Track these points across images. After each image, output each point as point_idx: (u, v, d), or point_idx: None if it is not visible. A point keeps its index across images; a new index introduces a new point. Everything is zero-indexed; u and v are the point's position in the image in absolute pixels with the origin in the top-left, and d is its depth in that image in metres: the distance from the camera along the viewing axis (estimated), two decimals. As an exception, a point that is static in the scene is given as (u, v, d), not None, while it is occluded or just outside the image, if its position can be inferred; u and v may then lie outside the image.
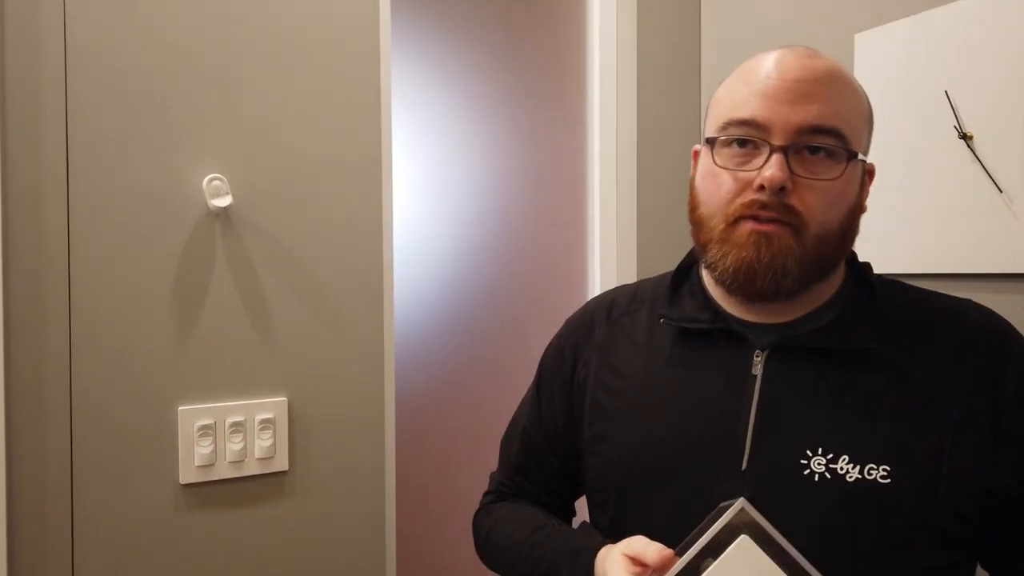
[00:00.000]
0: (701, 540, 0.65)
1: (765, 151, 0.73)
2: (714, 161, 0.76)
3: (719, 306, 0.82)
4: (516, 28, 1.74)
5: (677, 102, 1.77)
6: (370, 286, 1.36)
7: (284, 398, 1.29)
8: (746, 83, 0.76)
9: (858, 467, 0.71)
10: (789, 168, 0.72)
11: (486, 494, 1.04)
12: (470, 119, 1.70)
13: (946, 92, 1.24)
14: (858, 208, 0.78)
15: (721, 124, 0.76)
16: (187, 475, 1.21)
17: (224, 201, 1.20)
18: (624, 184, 1.74)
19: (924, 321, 0.77)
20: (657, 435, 0.80)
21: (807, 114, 0.72)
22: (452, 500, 1.75)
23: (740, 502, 0.65)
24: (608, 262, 1.75)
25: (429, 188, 1.67)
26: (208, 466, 1.22)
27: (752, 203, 0.73)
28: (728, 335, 0.80)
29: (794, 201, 0.72)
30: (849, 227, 0.77)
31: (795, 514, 0.71)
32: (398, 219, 1.55)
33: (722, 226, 0.75)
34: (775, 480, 0.73)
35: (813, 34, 1.48)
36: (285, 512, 1.29)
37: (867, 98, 0.79)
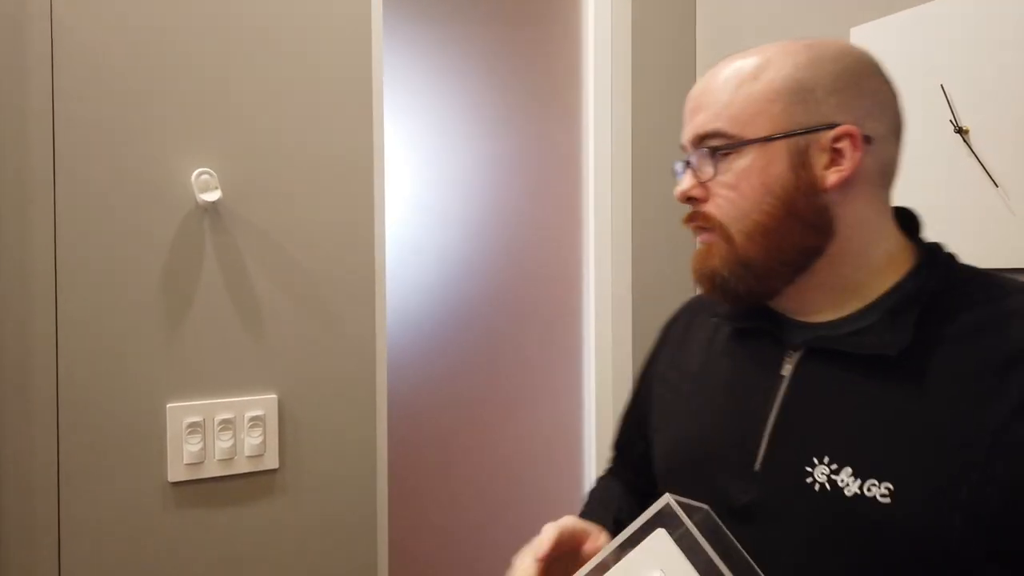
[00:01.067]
0: (627, 529, 0.66)
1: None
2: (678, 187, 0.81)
3: (771, 306, 0.80)
4: (510, 24, 1.73)
5: (672, 99, 1.76)
6: (362, 282, 1.34)
7: (274, 395, 1.27)
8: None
9: (859, 482, 0.67)
10: (712, 170, 0.74)
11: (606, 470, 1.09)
12: (463, 116, 1.69)
13: (942, 86, 1.23)
14: (796, 190, 0.71)
15: None
16: (175, 473, 1.20)
17: (213, 196, 1.18)
18: (619, 182, 1.73)
19: (983, 326, 0.68)
20: (692, 429, 0.83)
21: (694, 125, 0.76)
22: (444, 498, 1.73)
23: (666, 497, 0.65)
24: (603, 260, 1.74)
25: (421, 184, 1.66)
26: (197, 464, 1.21)
27: (685, 217, 0.78)
28: (771, 334, 0.79)
29: (709, 207, 0.75)
30: (785, 212, 0.71)
31: (794, 523, 0.70)
32: (390, 215, 1.53)
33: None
34: (780, 485, 0.72)
35: (808, 28, 1.48)
36: (275, 511, 1.28)
37: (801, 67, 0.72)
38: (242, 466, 1.24)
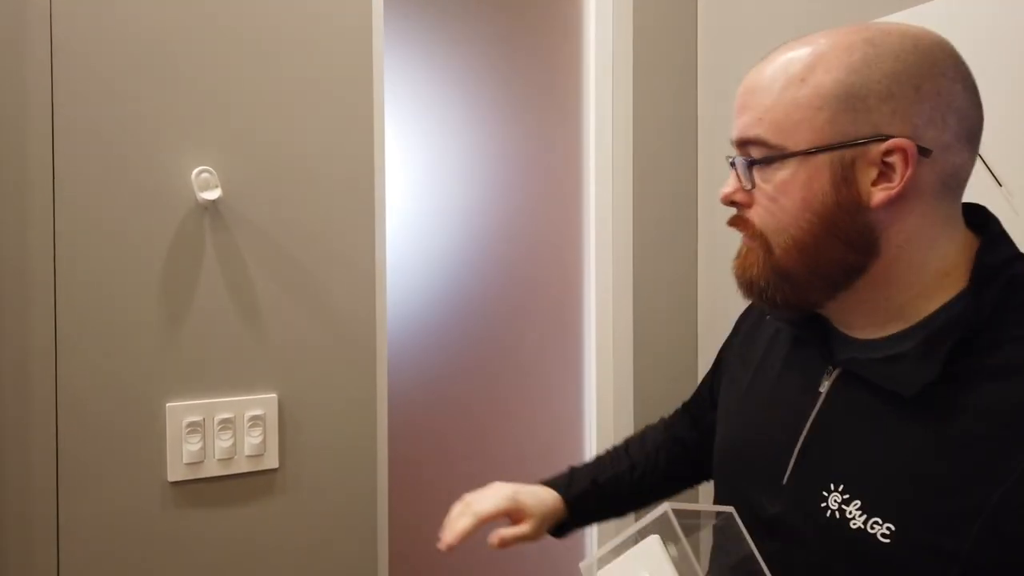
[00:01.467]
0: (630, 528, 0.69)
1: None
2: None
3: (822, 313, 0.77)
4: (511, 21, 1.72)
5: (674, 96, 1.75)
6: (362, 282, 1.34)
7: (274, 395, 1.27)
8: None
9: (864, 516, 0.65)
10: (750, 182, 0.70)
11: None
12: (464, 114, 1.68)
13: (945, 85, 1.23)
14: (836, 206, 0.66)
15: None
16: (175, 473, 1.19)
17: (213, 194, 1.18)
18: (620, 183, 1.72)
19: (1021, 363, 0.61)
20: (738, 430, 0.83)
21: (737, 128, 0.71)
22: (445, 498, 1.73)
23: (664, 506, 0.67)
24: (604, 261, 1.73)
25: (422, 183, 1.65)
26: (197, 463, 1.20)
27: (729, 219, 0.75)
28: (820, 345, 0.76)
29: (752, 214, 0.71)
30: (824, 230, 0.67)
31: (807, 543, 0.69)
32: (391, 214, 1.53)
33: None
34: (798, 506, 0.71)
35: (815, 26, 1.47)
36: (275, 511, 1.27)
37: (852, 72, 0.65)
38: (242, 466, 1.24)
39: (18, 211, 1.10)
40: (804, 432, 0.72)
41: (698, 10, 1.78)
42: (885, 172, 0.65)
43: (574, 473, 1.05)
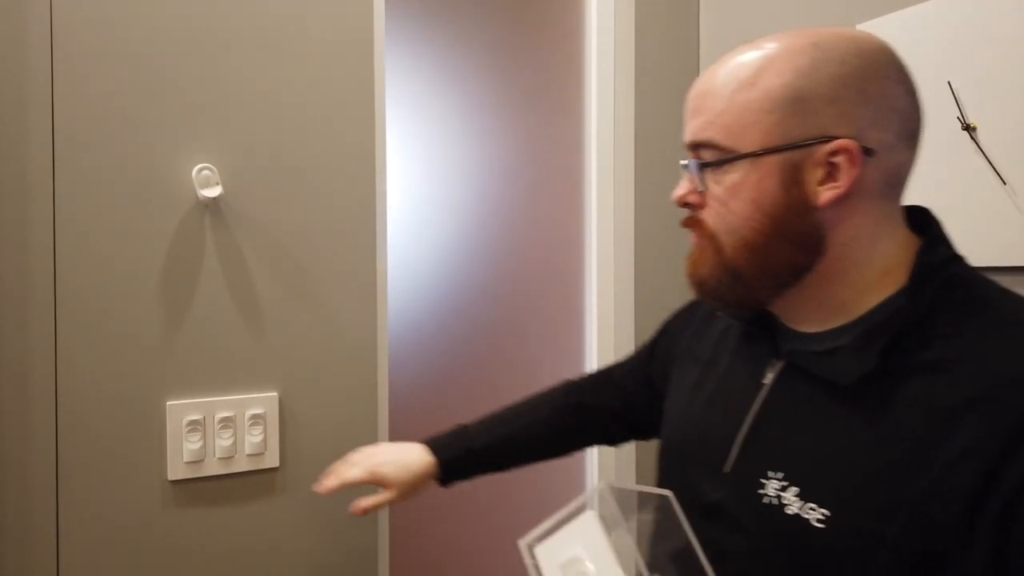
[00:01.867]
0: (569, 505, 0.71)
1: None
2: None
3: (770, 309, 0.79)
4: (512, 20, 1.72)
5: (676, 96, 1.75)
6: (363, 280, 1.33)
7: (275, 393, 1.26)
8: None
9: (800, 503, 0.67)
10: (703, 184, 0.73)
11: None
12: (465, 112, 1.68)
13: (949, 83, 1.22)
14: (785, 207, 0.68)
15: None
16: (175, 471, 1.19)
17: (214, 191, 1.17)
18: (621, 181, 1.72)
19: (952, 361, 0.64)
20: (684, 418, 0.86)
21: (689, 131, 0.74)
22: (445, 497, 1.72)
23: (601, 483, 0.70)
24: (605, 260, 1.72)
25: (423, 182, 1.64)
26: (197, 462, 1.20)
27: (682, 219, 0.78)
28: (767, 337, 0.79)
29: (704, 215, 0.74)
30: (773, 230, 0.69)
31: (743, 532, 0.72)
32: (391, 213, 1.52)
33: None
34: (738, 493, 0.74)
35: (812, 25, 1.46)
36: (276, 510, 1.27)
37: (800, 75, 0.67)
38: (242, 464, 1.23)
39: (18, 209, 1.09)
40: (747, 422, 0.75)
41: (699, 9, 1.77)
42: (831, 172, 0.67)
43: (453, 437, 1.11)
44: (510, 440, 1.11)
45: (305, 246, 1.28)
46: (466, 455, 1.08)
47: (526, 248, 1.75)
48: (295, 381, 1.28)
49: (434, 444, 1.09)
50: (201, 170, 1.17)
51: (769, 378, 0.76)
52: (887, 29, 1.32)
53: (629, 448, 1.66)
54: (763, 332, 0.79)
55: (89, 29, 1.13)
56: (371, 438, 1.35)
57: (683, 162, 0.76)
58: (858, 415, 0.67)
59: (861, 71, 0.67)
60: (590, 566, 0.66)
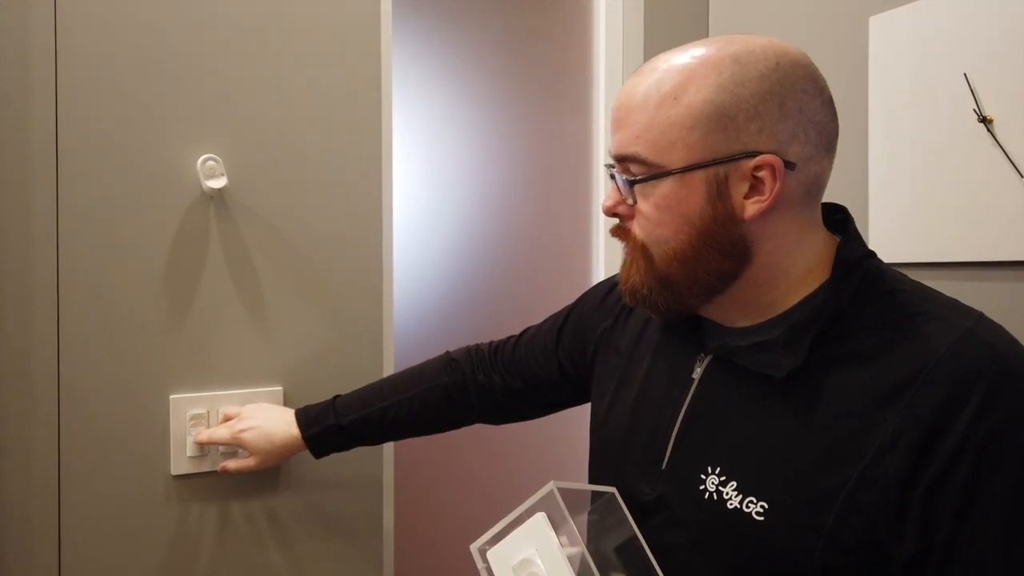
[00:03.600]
0: (519, 508, 0.71)
1: None
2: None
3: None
4: (520, 14, 1.70)
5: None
6: (369, 274, 1.32)
7: (279, 388, 1.25)
8: None
9: (740, 496, 0.69)
10: (631, 197, 0.74)
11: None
12: (472, 107, 1.66)
13: (965, 75, 1.20)
14: (713, 220, 0.70)
15: None
16: (178, 466, 1.17)
17: (219, 183, 1.16)
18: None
19: (877, 351, 0.67)
20: (614, 417, 0.86)
21: (614, 144, 0.75)
22: (450, 494, 1.71)
23: (550, 485, 0.70)
24: (613, 255, 1.71)
25: (430, 177, 1.63)
26: (200, 457, 1.18)
27: (610, 229, 0.79)
28: (693, 334, 0.80)
29: (633, 226, 0.75)
30: (704, 242, 0.71)
31: (686, 526, 0.73)
32: (398, 208, 1.51)
33: None
34: (678, 489, 0.75)
35: (825, 19, 1.45)
36: (280, 505, 1.25)
37: (723, 91, 0.69)
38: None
39: (21, 200, 1.08)
40: (679, 418, 0.76)
41: (709, 7, 1.75)
42: (755, 185, 0.70)
43: (323, 412, 1.13)
44: (382, 417, 1.11)
45: (310, 239, 1.27)
46: (333, 431, 1.11)
47: (533, 244, 1.74)
48: (299, 376, 1.26)
49: (302, 418, 1.12)
50: (206, 161, 1.16)
51: (698, 373, 0.77)
52: (902, 21, 1.31)
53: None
54: (685, 327, 0.80)
55: (94, 20, 1.12)
56: (376, 434, 1.33)
57: (609, 170, 0.77)
58: (789, 407, 0.69)
59: (779, 87, 0.69)
60: (541, 567, 0.67)
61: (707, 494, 0.71)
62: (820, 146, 0.72)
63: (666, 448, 0.77)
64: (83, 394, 1.12)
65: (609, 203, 0.76)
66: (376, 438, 1.15)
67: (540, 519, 0.70)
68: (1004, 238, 1.17)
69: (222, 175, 1.16)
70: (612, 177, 0.76)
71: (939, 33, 1.25)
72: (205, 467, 1.19)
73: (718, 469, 0.72)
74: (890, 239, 1.29)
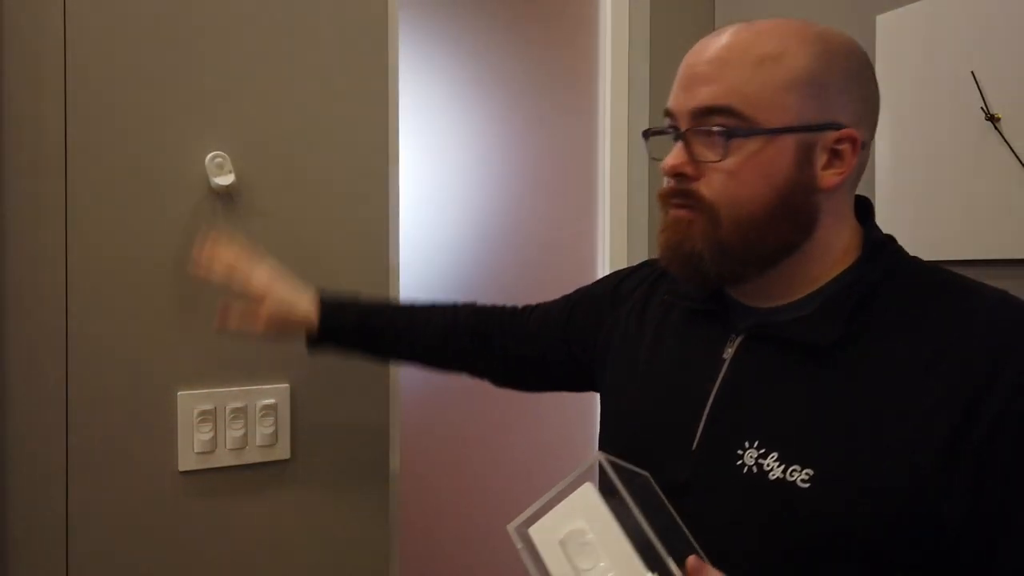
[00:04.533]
0: (561, 483, 0.68)
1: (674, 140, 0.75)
2: (649, 153, 0.80)
3: (724, 288, 0.82)
4: (526, 14, 1.71)
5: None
6: (375, 272, 1.32)
7: (286, 385, 1.25)
8: (679, 72, 0.78)
9: (783, 466, 0.68)
10: (691, 154, 0.72)
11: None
12: (478, 106, 1.67)
13: (972, 73, 1.20)
14: (796, 186, 0.71)
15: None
16: (186, 462, 1.18)
17: (227, 179, 1.16)
18: (635, 175, 1.70)
19: (917, 321, 0.69)
20: (637, 404, 0.84)
21: (696, 97, 0.72)
22: (457, 490, 1.71)
23: (597, 454, 0.68)
24: (619, 254, 1.71)
25: (436, 177, 1.64)
26: (208, 453, 1.19)
27: (667, 191, 0.76)
28: (719, 316, 0.80)
29: (701, 186, 0.72)
30: (780, 208, 0.71)
31: (723, 503, 0.72)
32: (404, 206, 1.51)
33: (661, 213, 0.78)
34: (713, 467, 0.73)
35: (831, 17, 1.45)
36: (286, 502, 1.25)
37: (818, 59, 0.71)
38: (254, 456, 1.22)
39: (31, 196, 1.09)
40: (711, 399, 0.75)
41: (715, 8, 1.75)
42: (831, 159, 0.71)
43: (344, 310, 1.11)
44: (400, 335, 1.11)
45: (317, 236, 1.27)
46: (348, 335, 1.10)
47: (538, 244, 1.74)
48: (307, 373, 1.27)
49: (324, 309, 1.10)
50: (214, 158, 1.16)
51: (729, 353, 0.76)
52: (909, 19, 1.31)
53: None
54: (716, 310, 0.80)
55: (103, 15, 1.12)
56: (383, 431, 1.33)
57: (674, 130, 0.75)
58: (830, 377, 0.69)
59: (859, 69, 0.73)
60: (594, 537, 0.64)
61: (745, 468, 0.70)
62: (872, 134, 0.75)
63: (696, 429, 0.75)
64: (91, 390, 1.12)
65: (675, 161, 0.73)
66: (383, 351, 1.15)
67: (588, 489, 0.67)
68: (1011, 236, 1.17)
69: (230, 172, 1.17)
70: (678, 135, 0.74)
71: (946, 32, 1.25)
72: (213, 463, 1.19)
73: (756, 443, 0.71)
74: (897, 236, 1.28)
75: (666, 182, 0.76)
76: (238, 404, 1.21)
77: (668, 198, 0.75)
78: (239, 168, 1.20)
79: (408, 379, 1.52)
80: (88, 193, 1.12)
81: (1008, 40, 1.17)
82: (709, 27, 1.75)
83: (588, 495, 0.66)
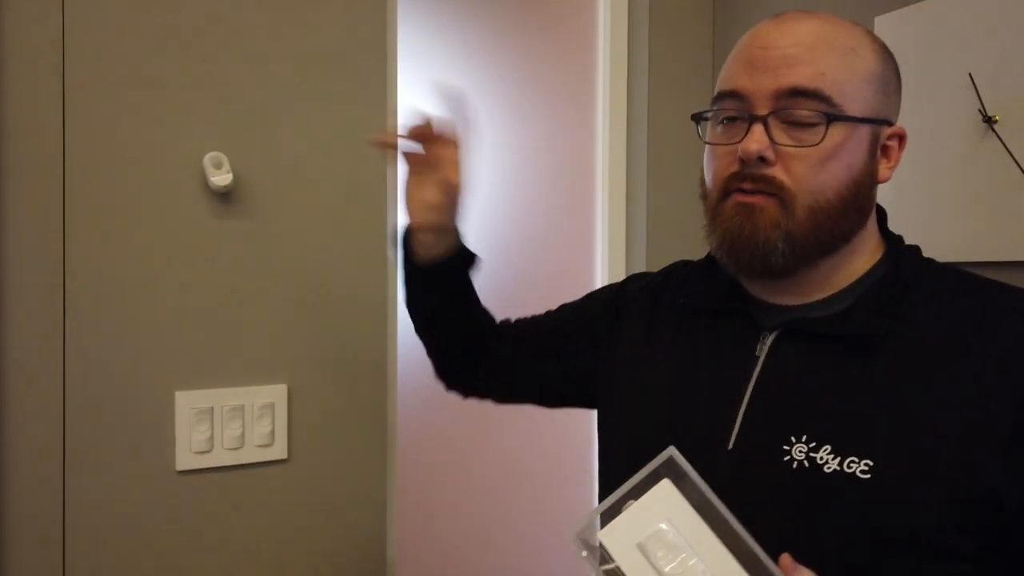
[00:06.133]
0: (627, 483, 0.64)
1: (745, 126, 0.72)
2: (704, 137, 0.78)
3: (742, 286, 0.81)
4: (524, 13, 1.71)
5: (691, 91, 1.73)
6: (375, 273, 1.32)
7: (284, 385, 1.25)
8: (735, 55, 0.76)
9: (838, 458, 0.67)
10: (771, 138, 0.70)
11: None
12: (477, 105, 1.67)
13: (970, 75, 1.21)
14: (867, 176, 0.72)
15: (713, 99, 0.77)
16: (183, 461, 1.18)
17: (224, 179, 1.16)
18: (634, 178, 1.70)
19: (958, 314, 0.70)
20: (661, 413, 0.81)
21: (784, 79, 0.70)
22: (454, 490, 1.71)
23: (669, 450, 0.65)
24: (616, 259, 1.71)
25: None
26: (205, 452, 1.19)
27: (735, 176, 0.73)
28: (743, 316, 0.79)
29: (778, 172, 0.71)
30: (852, 197, 0.71)
31: (772, 502, 0.70)
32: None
33: (715, 200, 0.75)
34: (756, 464, 0.71)
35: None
36: (284, 502, 1.25)
37: (880, 57, 0.73)
38: (251, 455, 1.22)
39: (28, 196, 1.08)
40: (746, 398, 0.74)
41: (714, 8, 1.76)
42: (883, 153, 0.74)
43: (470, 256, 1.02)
44: (472, 303, 1.05)
45: (315, 235, 1.27)
46: (460, 257, 1.01)
47: (536, 244, 1.74)
48: (304, 374, 1.27)
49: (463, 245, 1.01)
50: (212, 157, 1.16)
51: (762, 351, 0.75)
52: (907, 21, 1.31)
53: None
54: (739, 311, 0.79)
55: (102, 14, 1.12)
56: (380, 432, 1.33)
57: (758, 113, 0.71)
58: (876, 368, 0.69)
59: (897, 71, 0.76)
60: (680, 537, 0.61)
61: (795, 464, 0.69)
62: None
63: (731, 429, 0.74)
64: (89, 389, 1.12)
65: (757, 146, 0.70)
66: (454, 305, 1.04)
67: (667, 486, 0.63)
68: (1009, 238, 1.17)
69: (228, 172, 1.17)
70: (755, 118, 0.71)
71: (944, 33, 1.25)
72: (210, 462, 1.19)
73: (804, 437, 0.69)
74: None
75: (734, 166, 0.72)
76: (235, 404, 1.21)
77: (735, 183, 0.72)
78: (237, 167, 1.20)
79: (406, 379, 1.52)
80: (86, 191, 1.12)
81: (1006, 42, 1.17)
82: (707, 27, 1.75)
83: (668, 493, 0.63)
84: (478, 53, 1.66)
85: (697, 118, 0.78)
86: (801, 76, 0.69)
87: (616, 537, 0.62)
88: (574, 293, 1.74)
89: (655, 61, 1.70)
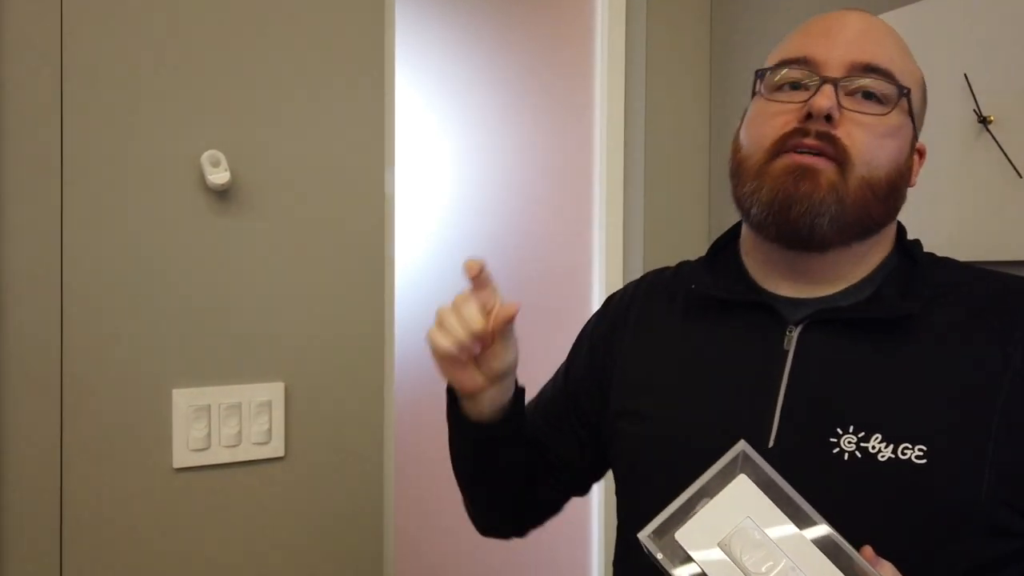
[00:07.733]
0: (698, 481, 0.62)
1: (814, 86, 0.72)
2: (760, 92, 0.76)
3: (754, 281, 0.80)
4: (523, 16, 1.71)
5: (687, 91, 1.74)
6: (371, 271, 1.32)
7: (281, 383, 1.25)
8: (804, 29, 0.77)
9: (891, 446, 0.66)
10: (838, 101, 0.71)
11: None
12: (474, 107, 1.67)
13: (965, 75, 1.21)
14: (907, 171, 0.75)
15: (774, 64, 0.76)
16: (180, 459, 1.18)
17: (222, 177, 1.16)
18: (632, 178, 1.71)
19: (985, 297, 0.72)
20: (688, 414, 0.77)
21: (860, 54, 0.72)
22: (452, 489, 1.71)
23: (740, 444, 0.62)
24: (614, 258, 1.71)
25: (431, 177, 1.64)
26: (202, 450, 1.19)
27: (795, 131, 0.71)
28: (763, 309, 0.76)
29: (841, 134, 0.70)
30: (895, 184, 0.73)
31: (824, 495, 0.66)
32: (400, 206, 1.52)
33: (761, 161, 0.73)
34: (802, 459, 0.68)
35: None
36: (281, 500, 1.26)
37: (921, 74, 0.78)
38: (248, 453, 1.22)
39: (25, 192, 1.09)
40: (781, 393, 0.72)
41: (712, 9, 1.76)
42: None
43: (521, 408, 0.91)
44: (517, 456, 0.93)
45: (313, 234, 1.27)
46: (513, 429, 0.89)
47: (533, 244, 1.74)
48: (302, 372, 1.27)
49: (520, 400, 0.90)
50: (209, 155, 1.16)
51: (791, 344, 0.73)
52: (903, 21, 1.31)
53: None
54: (761, 305, 0.76)
55: (100, 13, 1.12)
56: (377, 431, 1.33)
57: (830, 75, 0.71)
58: (910, 352, 0.69)
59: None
60: (766, 535, 0.58)
61: (845, 455, 0.67)
62: None
63: (770, 426, 0.71)
64: (86, 387, 1.12)
65: (828, 102, 0.69)
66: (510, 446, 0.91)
67: (744, 481, 0.60)
68: (1004, 238, 1.18)
69: (225, 170, 1.17)
70: (825, 80, 0.71)
71: (939, 34, 1.26)
72: (207, 460, 1.19)
73: (851, 427, 0.68)
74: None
75: (793, 123, 0.71)
76: (233, 401, 1.21)
77: (794, 140, 0.71)
78: (234, 166, 1.20)
79: (403, 376, 1.52)
80: (83, 189, 1.12)
81: (1000, 43, 1.18)
82: (704, 28, 1.76)
83: (746, 489, 0.60)
84: (475, 52, 1.66)
85: (761, 73, 0.77)
86: (875, 55, 0.72)
87: (695, 537, 0.59)
88: (572, 293, 1.75)
89: (652, 61, 1.70)
